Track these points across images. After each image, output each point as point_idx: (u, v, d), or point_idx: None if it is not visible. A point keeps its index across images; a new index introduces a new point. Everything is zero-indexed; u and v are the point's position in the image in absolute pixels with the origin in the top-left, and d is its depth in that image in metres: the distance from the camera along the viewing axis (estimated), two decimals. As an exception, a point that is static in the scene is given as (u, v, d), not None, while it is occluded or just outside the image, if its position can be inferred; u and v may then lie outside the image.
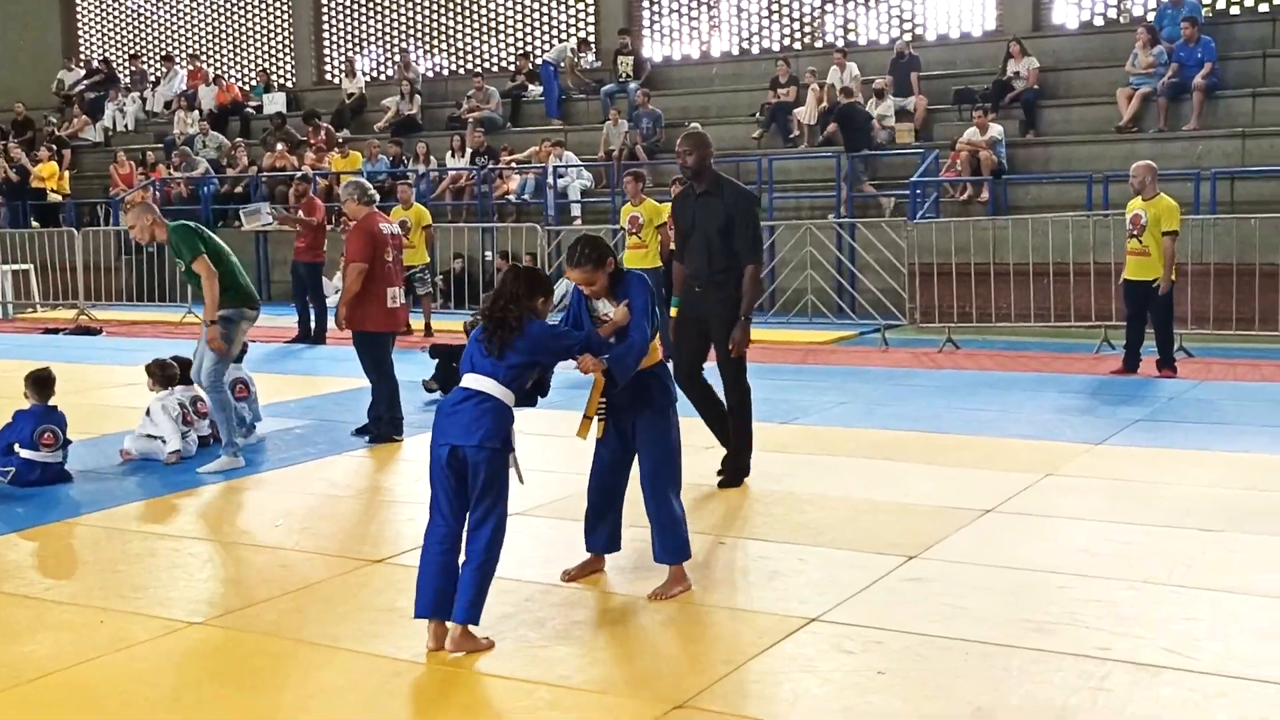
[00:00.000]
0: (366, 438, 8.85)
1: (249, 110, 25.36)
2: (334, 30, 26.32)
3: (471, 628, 4.76)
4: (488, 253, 18.95)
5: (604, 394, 5.37)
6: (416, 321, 15.99)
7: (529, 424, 9.64)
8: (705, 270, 7.11)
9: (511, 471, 4.87)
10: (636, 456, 5.49)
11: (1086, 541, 6.05)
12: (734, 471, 7.28)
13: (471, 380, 4.90)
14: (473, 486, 4.79)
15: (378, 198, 9.27)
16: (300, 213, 15.65)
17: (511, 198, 20.07)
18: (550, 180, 19.49)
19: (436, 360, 11.03)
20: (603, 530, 5.65)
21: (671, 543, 5.39)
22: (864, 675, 4.48)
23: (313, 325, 15.25)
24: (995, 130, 16.96)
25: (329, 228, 20.89)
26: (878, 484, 7.33)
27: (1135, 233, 11.20)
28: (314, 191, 19.83)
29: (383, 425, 8.87)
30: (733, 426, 7.30)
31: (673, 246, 13.54)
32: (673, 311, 7.24)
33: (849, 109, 18.18)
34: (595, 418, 5.43)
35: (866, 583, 5.48)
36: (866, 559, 5.83)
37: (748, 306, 7.05)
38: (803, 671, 4.53)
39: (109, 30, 29.00)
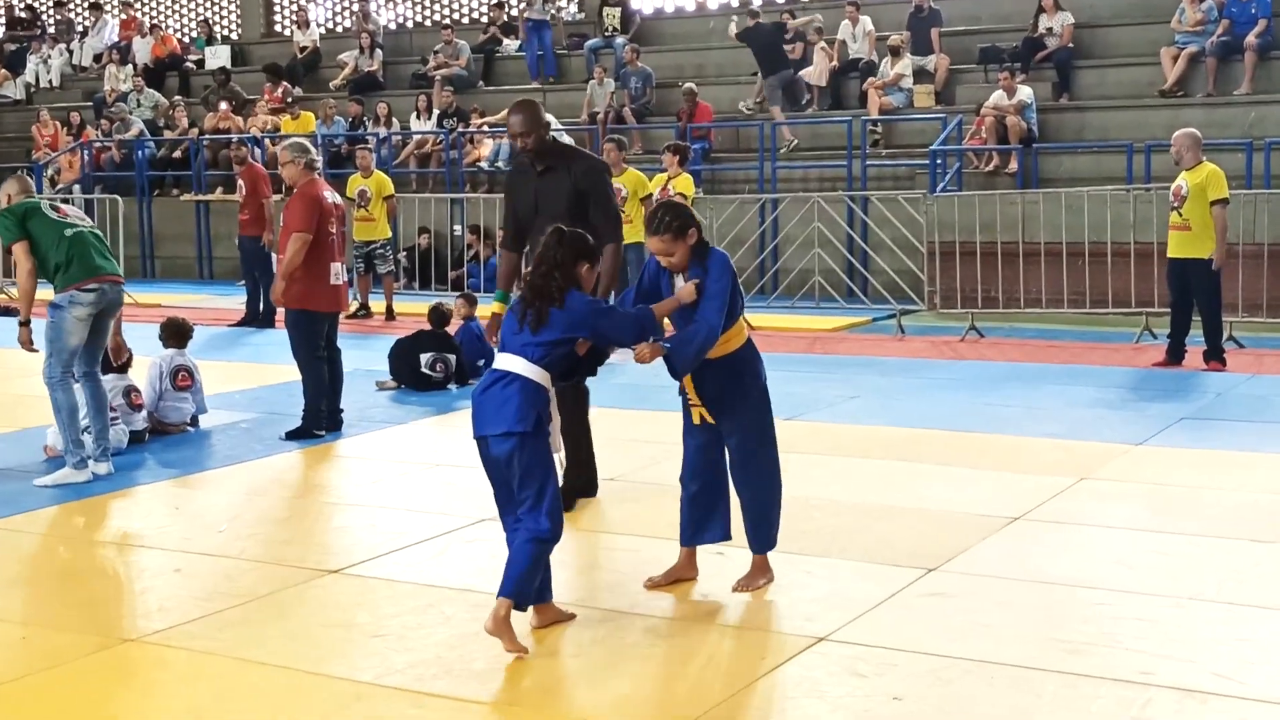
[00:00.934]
0: (300, 440, 8.79)
1: (189, 65, 25.26)
2: (285, -24, 26.25)
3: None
4: (456, 227, 18.92)
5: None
6: (377, 303, 15.97)
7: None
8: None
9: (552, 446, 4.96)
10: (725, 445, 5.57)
11: (1125, 553, 6.07)
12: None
13: (501, 360, 4.98)
14: (510, 476, 4.89)
15: (321, 163, 9.26)
16: (241, 182, 15.60)
17: (484, 165, 20.02)
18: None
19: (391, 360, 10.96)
20: (716, 523, 5.69)
21: (765, 532, 5.61)
22: (878, 701, 4.48)
23: (261, 306, 15.22)
24: (1024, 93, 16.97)
25: (275, 197, 20.92)
26: (893, 488, 7.34)
27: (1175, 205, 11.23)
28: (262, 158, 19.82)
29: (309, 417, 8.86)
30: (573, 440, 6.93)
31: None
32: (496, 308, 6.76)
33: (753, 28, 18.76)
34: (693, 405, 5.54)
35: (881, 598, 5.49)
36: (881, 571, 5.84)
37: (606, 290, 6.74)
38: (810, 696, 4.54)
39: (31, -26, 28.87)
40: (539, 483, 4.90)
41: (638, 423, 9.41)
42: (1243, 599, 5.43)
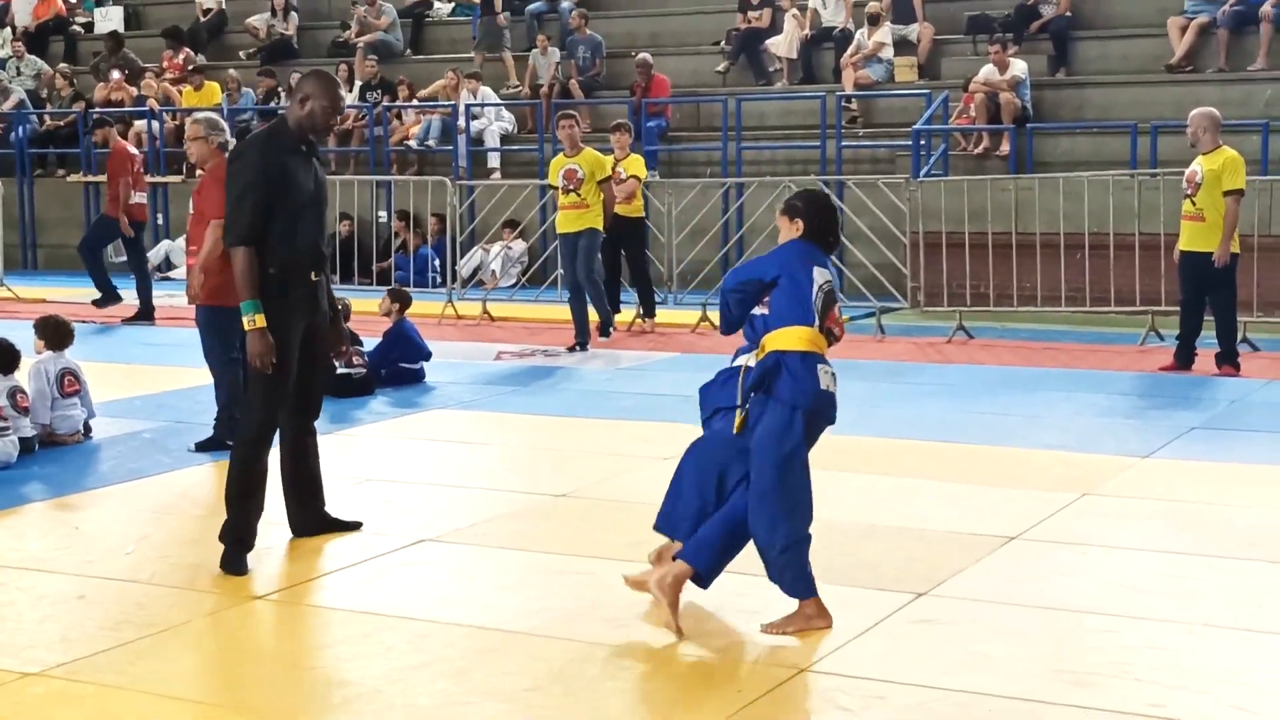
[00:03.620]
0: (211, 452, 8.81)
1: (76, 28, 25.15)
2: (186, -72, 26.14)
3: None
4: (383, 213, 18.95)
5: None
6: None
7: (421, 429, 9.72)
8: (322, 255, 6.83)
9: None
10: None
11: (1133, 576, 6.21)
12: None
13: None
14: None
15: (234, 142, 9.31)
16: (110, 161, 15.69)
17: (413, 143, 20.06)
18: (461, 123, 19.50)
19: None
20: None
21: (788, 577, 5.54)
22: (866, 738, 4.59)
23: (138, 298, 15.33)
24: (1018, 67, 17.19)
25: (179, 179, 20.86)
26: (877, 505, 7.46)
27: (1189, 193, 11.43)
28: (161, 135, 19.75)
29: (223, 426, 8.86)
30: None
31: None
32: (260, 321, 6.33)
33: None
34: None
35: (866, 625, 5.60)
36: (866, 596, 5.95)
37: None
38: (790, 733, 4.65)
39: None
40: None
41: (592, 432, 9.50)
42: (1261, 625, 5.58)
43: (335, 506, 7.08)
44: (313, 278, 6.62)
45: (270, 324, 6.35)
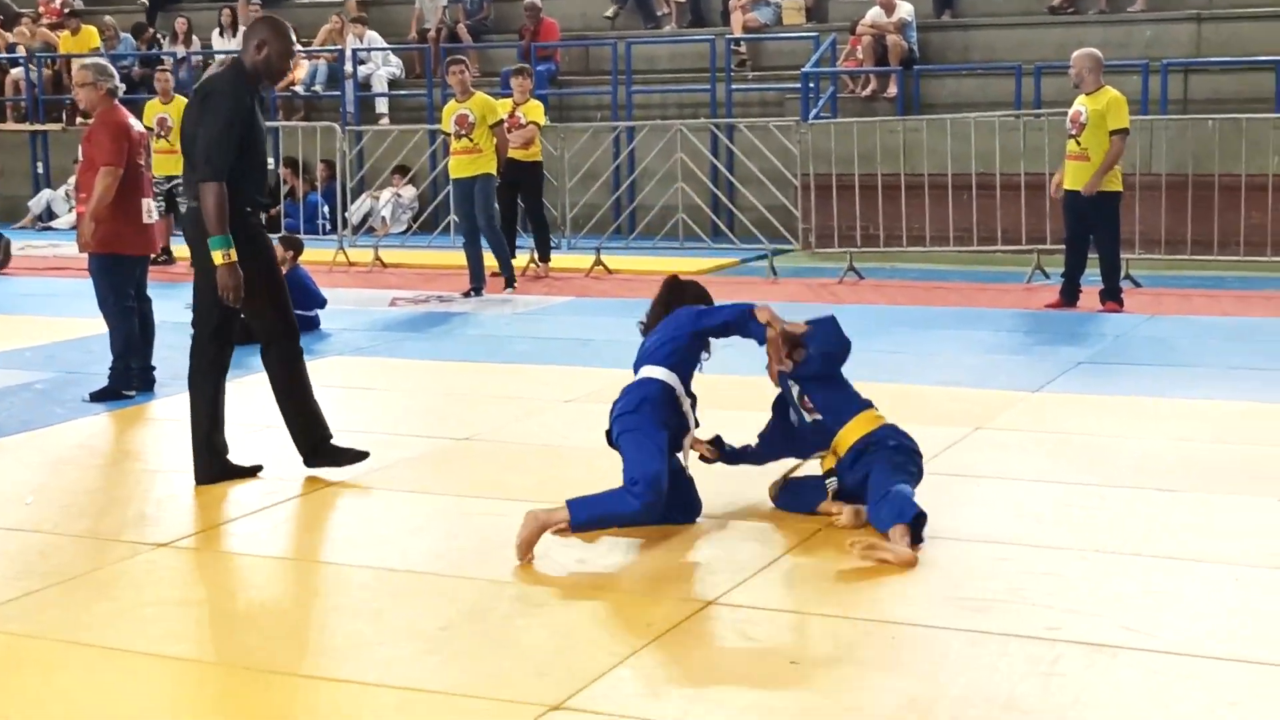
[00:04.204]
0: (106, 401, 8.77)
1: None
2: None
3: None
4: (270, 159, 18.72)
5: None
6: (180, 247, 15.78)
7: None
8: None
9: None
10: None
11: (1028, 506, 6.39)
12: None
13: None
14: None
15: (123, 89, 9.23)
16: None
17: (299, 89, 19.86)
18: (348, 68, 19.32)
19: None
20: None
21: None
22: (774, 665, 4.71)
23: None
24: (904, 10, 17.35)
25: (59, 128, 20.48)
26: (776, 442, 7.57)
27: (1074, 133, 11.65)
28: (39, 81, 19.37)
29: (117, 375, 8.84)
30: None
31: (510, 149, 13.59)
32: (232, 256, 6.57)
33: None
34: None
35: (770, 558, 5.72)
36: (768, 531, 6.08)
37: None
38: (701, 663, 4.75)
39: None
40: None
41: (492, 377, 9.54)
42: (1150, 550, 5.77)
43: (240, 455, 7.08)
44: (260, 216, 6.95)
45: (253, 252, 6.66)
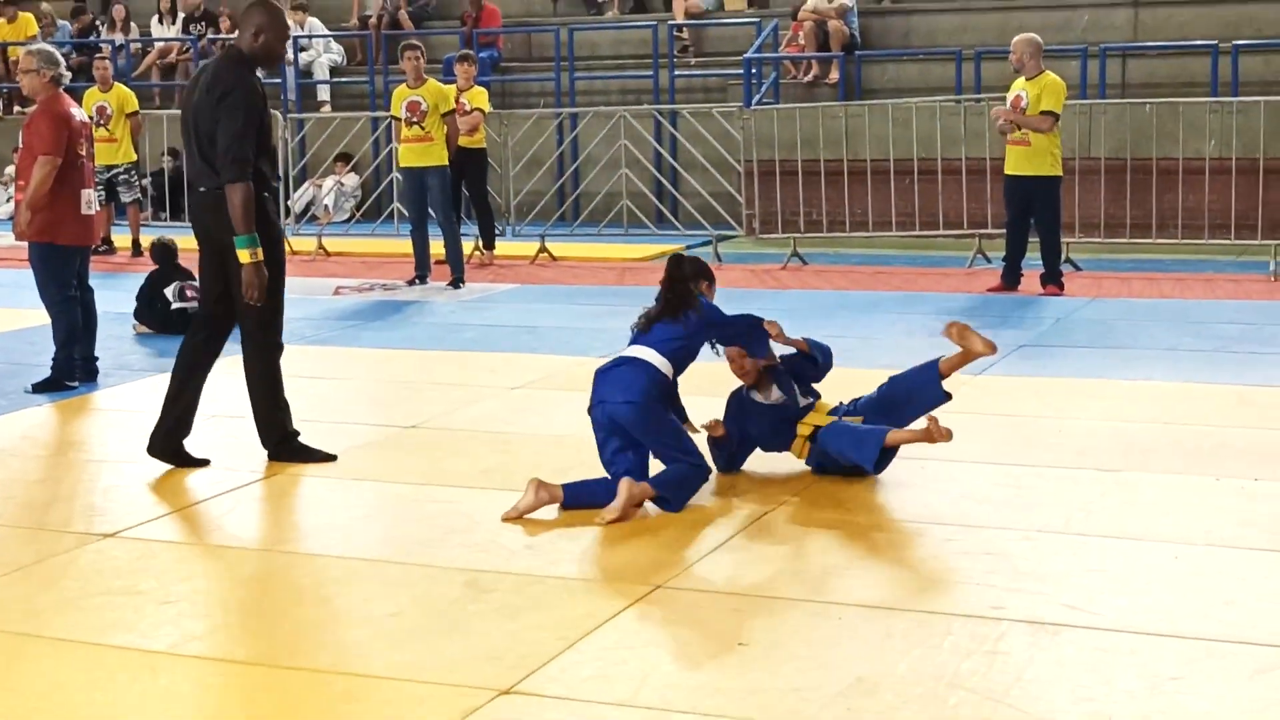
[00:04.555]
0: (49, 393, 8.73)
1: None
2: None
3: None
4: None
5: None
6: (121, 236, 15.70)
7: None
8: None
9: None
10: None
11: (971, 487, 6.47)
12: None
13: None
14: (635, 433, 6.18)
15: (69, 77, 9.15)
16: None
17: (239, 77, 19.70)
18: (290, 55, 19.21)
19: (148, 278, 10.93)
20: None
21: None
22: (722, 647, 4.76)
23: None
24: (846, -5, 17.41)
25: (-2, 116, 20.30)
26: (722, 427, 7.62)
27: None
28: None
29: (60, 366, 8.80)
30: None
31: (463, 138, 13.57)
32: (259, 255, 6.71)
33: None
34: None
35: (717, 542, 5.78)
36: (716, 516, 6.13)
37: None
38: (650, 645, 4.79)
39: None
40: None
41: (439, 364, 9.54)
42: (1091, 530, 5.87)
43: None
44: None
45: (271, 247, 6.76)
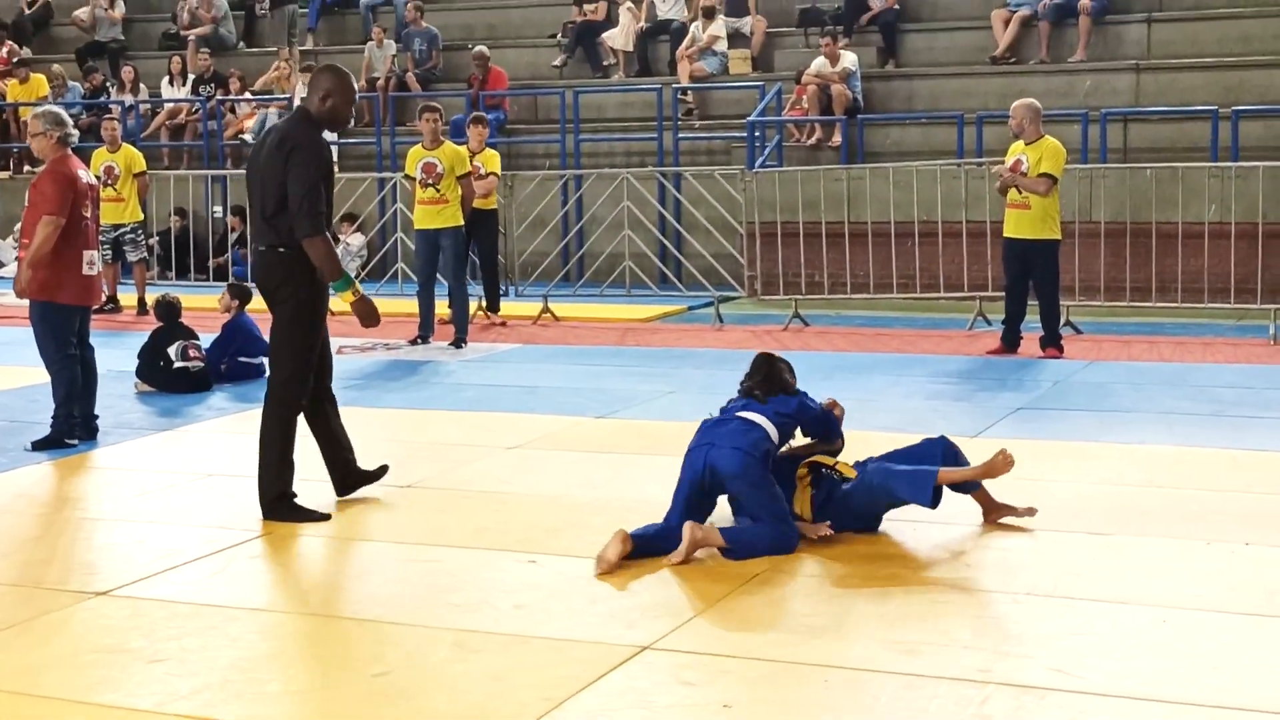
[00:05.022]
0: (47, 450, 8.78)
1: (-106, 20, 24.44)
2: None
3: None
4: (217, 208, 18.76)
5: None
6: (127, 296, 15.78)
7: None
8: None
9: None
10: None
11: (961, 549, 6.48)
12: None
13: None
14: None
15: (75, 138, 9.23)
16: None
17: (247, 138, 19.86)
18: (298, 116, 19.35)
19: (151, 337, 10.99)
20: None
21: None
22: (708, 710, 4.76)
23: None
24: (848, 60, 17.56)
25: (7, 175, 20.45)
26: (716, 488, 7.64)
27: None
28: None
29: (60, 424, 8.85)
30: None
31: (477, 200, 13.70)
32: (359, 291, 7.30)
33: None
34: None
35: (708, 603, 5.78)
36: (708, 576, 6.12)
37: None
38: (635, 708, 4.79)
39: None
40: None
41: (438, 424, 9.58)
42: (1079, 593, 5.86)
43: (181, 503, 7.09)
44: None
45: (315, 295, 7.11)
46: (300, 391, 7.21)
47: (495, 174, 14.45)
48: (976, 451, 8.31)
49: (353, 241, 18.12)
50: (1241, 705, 4.70)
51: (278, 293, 7.10)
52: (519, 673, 5.10)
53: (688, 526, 6.25)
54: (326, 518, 7.09)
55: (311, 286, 7.08)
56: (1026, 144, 11.89)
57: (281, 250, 7.03)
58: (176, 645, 5.43)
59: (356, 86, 7.37)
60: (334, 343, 13.03)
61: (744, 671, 5.08)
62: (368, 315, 7.23)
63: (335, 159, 19.06)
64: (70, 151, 9.02)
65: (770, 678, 5.01)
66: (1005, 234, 11.96)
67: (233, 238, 18.48)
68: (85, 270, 8.87)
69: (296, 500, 7.15)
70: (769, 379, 6.90)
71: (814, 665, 5.10)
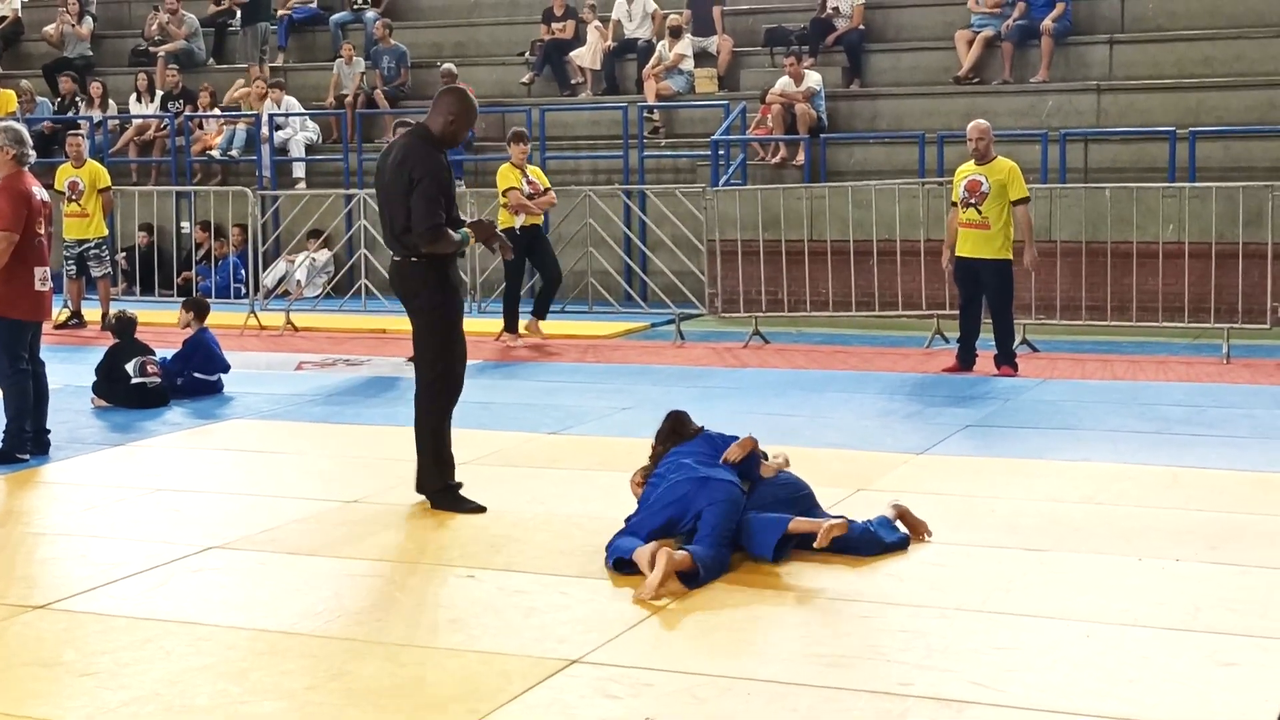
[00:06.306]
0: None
1: None
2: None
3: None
4: (185, 224, 18.78)
5: None
6: (91, 311, 15.78)
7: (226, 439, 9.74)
8: None
9: None
10: None
11: (896, 565, 6.54)
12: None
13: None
14: None
15: (34, 158, 9.25)
16: None
17: (215, 153, 19.91)
18: (265, 132, 19.42)
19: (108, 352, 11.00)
20: None
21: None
22: (629, 723, 4.82)
23: None
24: (813, 79, 17.63)
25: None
26: (660, 503, 7.69)
27: (974, 201, 11.87)
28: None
29: (11, 439, 8.89)
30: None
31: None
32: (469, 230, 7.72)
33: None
34: None
35: (639, 618, 5.84)
36: (634, 590, 6.18)
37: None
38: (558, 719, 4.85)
39: None
40: None
41: (389, 439, 9.61)
42: (1008, 608, 5.94)
43: (127, 518, 7.13)
44: None
45: (448, 299, 7.53)
46: (445, 394, 7.62)
47: (549, 188, 14.58)
48: (918, 469, 8.42)
49: (319, 257, 18.15)
50: (1153, 718, 4.77)
51: (413, 301, 7.56)
52: (446, 685, 5.15)
53: (663, 553, 6.18)
54: (483, 509, 7.51)
55: (444, 291, 7.53)
56: (981, 164, 11.97)
57: (414, 260, 7.48)
58: (109, 659, 5.47)
59: (477, 110, 7.81)
60: (295, 358, 13.26)
61: (668, 685, 5.13)
62: (491, 235, 7.77)
63: (255, 174, 19.12)
64: (26, 170, 9.05)
65: (692, 691, 5.07)
66: (959, 253, 12.02)
67: (200, 253, 18.50)
68: (38, 286, 8.91)
69: (460, 491, 7.63)
70: (675, 432, 7.21)
71: (736, 678, 5.16)
